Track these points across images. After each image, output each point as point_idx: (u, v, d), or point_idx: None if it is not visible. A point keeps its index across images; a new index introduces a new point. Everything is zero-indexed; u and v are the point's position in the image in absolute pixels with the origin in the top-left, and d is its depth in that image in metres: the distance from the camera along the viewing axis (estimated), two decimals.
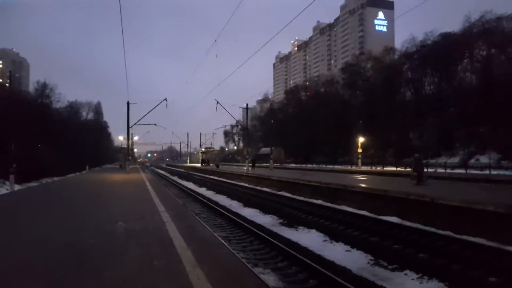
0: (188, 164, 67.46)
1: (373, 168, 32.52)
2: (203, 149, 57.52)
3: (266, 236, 8.25)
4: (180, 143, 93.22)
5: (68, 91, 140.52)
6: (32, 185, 24.16)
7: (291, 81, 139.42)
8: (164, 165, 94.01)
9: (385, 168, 30.18)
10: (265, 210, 12.77)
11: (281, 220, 10.92)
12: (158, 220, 7.04)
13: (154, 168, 74.00)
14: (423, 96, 40.76)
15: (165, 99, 29.02)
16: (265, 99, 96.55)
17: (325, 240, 8.29)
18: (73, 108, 64.48)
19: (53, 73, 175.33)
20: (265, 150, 53.76)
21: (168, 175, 41.97)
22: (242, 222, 10.23)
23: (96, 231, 6.02)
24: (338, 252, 7.32)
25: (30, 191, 18.23)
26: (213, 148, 61.31)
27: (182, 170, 50.93)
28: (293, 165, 47.92)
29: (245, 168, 32.50)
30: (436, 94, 38.94)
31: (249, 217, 11.70)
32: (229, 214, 11.71)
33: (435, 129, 35.94)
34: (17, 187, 21.46)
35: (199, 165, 56.02)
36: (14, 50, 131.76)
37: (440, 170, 27.06)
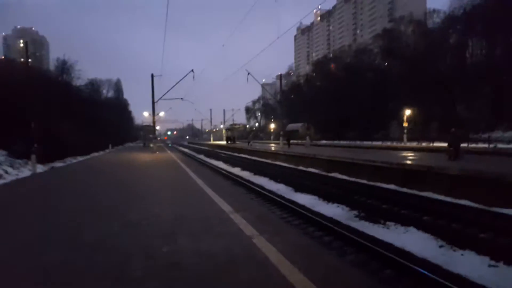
0: (212, 142, 65.86)
1: (420, 144, 29.49)
2: (228, 126, 55.44)
3: (357, 238, 6.08)
4: (202, 120, 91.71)
5: (88, 69, 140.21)
6: (57, 165, 22.89)
7: (314, 54, 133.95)
8: (186, 143, 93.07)
9: (435, 144, 27.22)
10: (325, 196, 10.54)
11: (355, 212, 8.66)
12: (236, 231, 4.87)
13: (177, 146, 72.89)
14: (471, 63, 36.70)
15: (192, 70, 26.81)
16: (288, 74, 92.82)
17: (442, 246, 6.02)
18: (94, 86, 63.29)
19: (72, 51, 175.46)
20: (292, 126, 51.16)
21: (193, 153, 40.30)
22: (308, 214, 8.10)
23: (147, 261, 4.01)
24: (482, 269, 5.05)
25: (54, 173, 16.77)
26: (239, 124, 59.13)
27: (206, 148, 49.28)
28: (324, 141, 45.22)
29: (278, 145, 30.25)
30: (487, 61, 34.88)
31: (310, 206, 9.53)
32: (285, 203, 9.60)
33: (487, 100, 32.35)
34: (40, 168, 20.10)
35: (223, 142, 54.24)
36: (33, 28, 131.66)
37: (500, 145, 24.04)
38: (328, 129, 53.09)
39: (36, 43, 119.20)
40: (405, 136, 30.85)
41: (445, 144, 14.52)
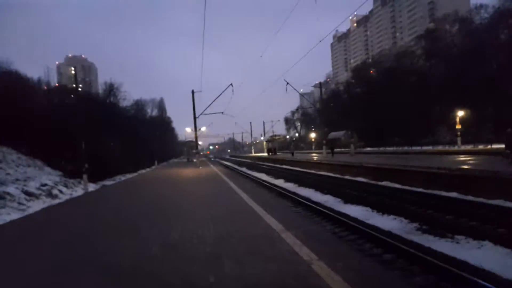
0: (253, 154, 65.93)
1: (476, 146, 27.33)
2: (269, 137, 55.30)
3: (424, 256, 5.42)
4: (242, 133, 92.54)
5: (133, 91, 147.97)
6: (107, 183, 23.86)
7: (352, 60, 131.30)
8: (227, 156, 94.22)
9: (493, 146, 25.04)
10: (378, 207, 9.82)
11: (415, 224, 7.90)
12: (290, 254, 4.39)
13: (219, 160, 73.86)
14: None
15: (231, 84, 27.03)
16: (326, 82, 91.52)
17: None
18: (139, 106, 66.15)
19: (118, 74, 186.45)
20: (334, 134, 49.98)
21: (235, 166, 40.44)
22: (363, 228, 7.48)
23: None
24: None
25: (104, 191, 17.39)
26: (279, 135, 58.79)
27: (248, 160, 49.34)
28: (369, 149, 43.52)
29: (321, 155, 29.47)
30: None
31: (363, 219, 8.89)
32: (336, 216, 9.02)
33: None
34: (92, 186, 21.03)
35: (264, 154, 54.09)
36: (83, 56, 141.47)
37: None
38: (370, 136, 51.13)
39: (86, 69, 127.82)
40: (459, 139, 28.75)
41: (503, 146, 13.30)
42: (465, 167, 11.06)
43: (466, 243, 6.27)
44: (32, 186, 17.74)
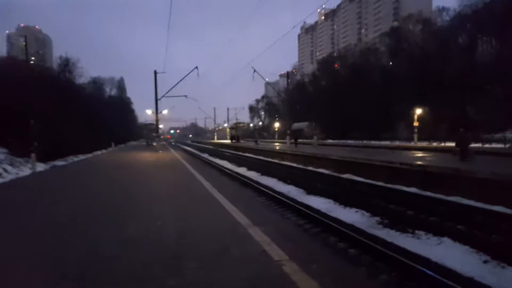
0: (216, 141, 65.15)
1: (431, 143, 28.68)
2: (233, 125, 54.79)
3: (387, 251, 5.39)
4: (205, 118, 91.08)
5: (91, 68, 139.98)
6: (58, 164, 22.41)
7: (318, 53, 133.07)
8: (189, 142, 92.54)
9: (446, 144, 26.39)
10: (340, 200, 9.85)
11: (377, 218, 7.95)
12: (260, 254, 4.03)
13: (180, 145, 72.29)
14: (481, 63, 35.79)
15: (196, 67, 26.18)
16: (291, 73, 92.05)
17: (487, 261, 5.32)
18: (97, 84, 62.83)
19: (75, 50, 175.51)
20: (298, 125, 50.54)
21: (197, 152, 39.67)
22: (326, 221, 7.40)
23: None
24: None
25: (54, 172, 16.21)
26: (243, 123, 58.40)
27: (210, 147, 48.63)
28: (330, 141, 44.46)
29: (284, 144, 29.55)
30: (496, 63, 33.98)
31: (326, 211, 8.82)
32: (299, 207, 8.91)
33: (497, 102, 31.48)
34: (41, 166, 19.59)
35: (226, 141, 53.60)
36: (37, 27, 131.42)
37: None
38: (333, 129, 52.33)
39: (39, 42, 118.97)
40: (415, 136, 30.07)
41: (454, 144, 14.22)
42: (420, 163, 11.39)
43: (426, 239, 6.35)
44: None
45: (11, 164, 18.81)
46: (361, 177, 13.33)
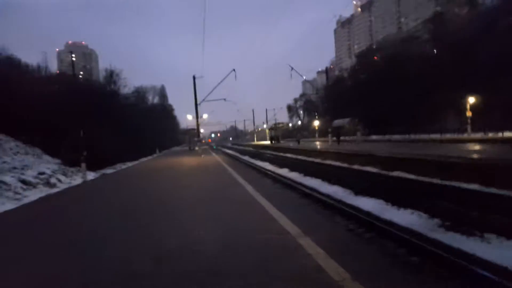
0: (256, 142, 65.26)
1: (487, 134, 26.50)
2: (272, 125, 54.53)
3: (453, 258, 4.81)
4: (244, 121, 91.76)
5: (134, 79, 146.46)
6: (107, 172, 23.43)
7: (355, 47, 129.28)
8: (229, 145, 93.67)
9: (504, 134, 24.23)
10: (391, 200, 9.18)
11: (437, 220, 7.23)
12: (315, 271, 3.63)
13: (221, 148, 73.29)
14: None
15: (234, 70, 26.23)
16: (329, 68, 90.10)
17: None
18: (140, 93, 65.40)
19: (119, 62, 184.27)
20: (338, 122, 49.21)
21: (238, 155, 39.82)
22: (379, 224, 6.86)
23: None
24: None
25: (104, 180, 16.88)
26: (282, 123, 57.95)
27: (251, 149, 48.70)
28: (374, 137, 42.74)
29: (326, 143, 28.77)
30: None
31: (377, 213, 8.22)
32: (348, 209, 8.40)
33: None
34: (92, 175, 20.56)
35: (266, 142, 53.45)
36: (83, 43, 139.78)
37: None
38: (375, 124, 50.24)
39: (86, 56, 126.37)
40: (469, 127, 27.96)
41: None
42: (481, 156, 10.41)
43: (499, 243, 5.64)
44: (29, 175, 17.26)
45: (64, 174, 19.94)
46: (412, 174, 12.48)
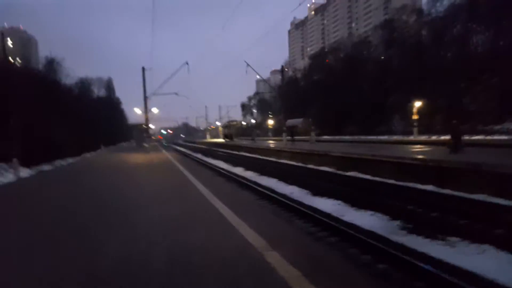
0: (208, 140, 63.94)
1: (430, 137, 27.95)
2: (226, 123, 53.68)
3: (424, 266, 4.51)
4: (196, 117, 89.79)
5: (77, 69, 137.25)
6: (45, 168, 21.19)
7: (309, 48, 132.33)
8: (181, 142, 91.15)
9: (446, 137, 25.62)
10: (350, 201, 8.98)
11: (397, 222, 7.08)
12: None
13: (172, 145, 70.97)
14: (475, 54, 35.22)
15: (186, 62, 25.02)
16: (283, 69, 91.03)
17: None
18: (84, 85, 61.11)
19: (61, 50, 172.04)
20: (292, 121, 49.64)
21: (190, 152, 38.58)
22: (341, 227, 6.53)
23: None
24: None
25: (40, 178, 14.98)
26: (236, 121, 57.30)
27: (203, 146, 47.52)
28: (326, 137, 43.65)
29: (280, 142, 28.64)
30: (492, 52, 33.43)
31: (337, 215, 7.94)
32: (307, 211, 8.01)
33: (494, 92, 30.95)
34: (27, 172, 18.36)
35: (220, 140, 52.51)
36: (21, 27, 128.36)
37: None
38: (327, 124, 51.52)
39: (24, 42, 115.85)
40: (415, 130, 29.39)
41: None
42: (422, 157, 10.60)
43: (464, 248, 5.49)
44: None
45: None
46: (366, 174, 12.51)
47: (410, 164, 10.77)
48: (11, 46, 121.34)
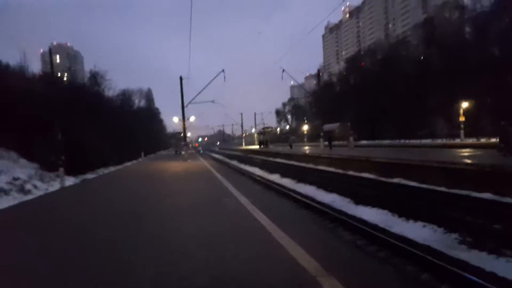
0: (244, 147, 64.25)
1: (479, 140, 26.16)
2: (260, 130, 53.68)
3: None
4: (232, 125, 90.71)
5: (120, 81, 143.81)
6: (88, 177, 22.07)
7: (344, 52, 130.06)
8: (217, 149, 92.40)
9: (494, 140, 23.87)
10: (398, 211, 8.38)
11: (455, 236, 6.44)
12: None
13: (208, 153, 72.05)
14: None
15: (223, 70, 25.22)
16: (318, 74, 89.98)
17: None
18: (125, 96, 63.75)
19: (104, 64, 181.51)
20: (329, 126, 48.68)
21: (226, 160, 38.85)
22: (389, 239, 6.08)
23: None
24: None
25: (83, 186, 15.55)
26: (271, 127, 57.14)
27: (239, 153, 47.68)
28: (365, 141, 42.30)
29: (317, 147, 28.03)
30: None
31: (385, 226, 7.43)
32: (353, 222, 7.56)
33: None
34: (71, 180, 19.23)
35: (255, 147, 52.53)
36: (68, 44, 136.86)
37: None
38: (365, 129, 49.92)
39: (71, 58, 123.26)
40: (462, 132, 27.65)
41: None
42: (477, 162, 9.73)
43: None
44: (1, 180, 15.92)
45: (41, 180, 18.54)
46: (412, 181, 11.74)
47: (462, 170, 9.95)
48: (58, 61, 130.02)
